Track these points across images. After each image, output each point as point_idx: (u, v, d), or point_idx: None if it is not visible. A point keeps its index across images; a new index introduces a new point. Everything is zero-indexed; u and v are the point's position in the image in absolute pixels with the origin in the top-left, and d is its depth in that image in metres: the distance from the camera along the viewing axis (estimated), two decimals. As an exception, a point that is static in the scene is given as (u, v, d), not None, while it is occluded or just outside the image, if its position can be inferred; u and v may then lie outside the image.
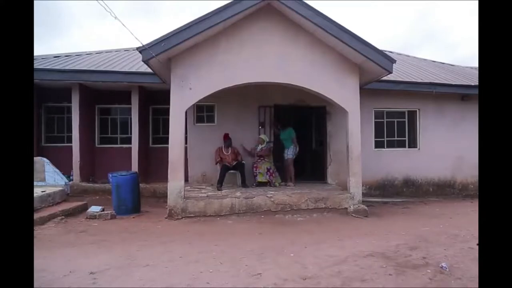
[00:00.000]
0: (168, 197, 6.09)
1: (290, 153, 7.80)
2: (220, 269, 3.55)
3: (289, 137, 7.86)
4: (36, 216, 5.51)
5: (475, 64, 12.27)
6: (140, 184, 7.10)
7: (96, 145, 9.45)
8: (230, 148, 7.58)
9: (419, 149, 9.17)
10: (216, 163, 7.62)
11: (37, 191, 6.33)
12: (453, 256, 4.00)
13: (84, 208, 6.66)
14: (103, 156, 9.32)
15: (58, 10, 40.10)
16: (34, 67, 7.03)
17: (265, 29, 6.34)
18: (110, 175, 6.99)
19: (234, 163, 7.49)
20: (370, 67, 6.48)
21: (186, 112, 6.38)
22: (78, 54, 9.79)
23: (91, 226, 5.58)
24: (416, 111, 9.19)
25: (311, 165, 9.59)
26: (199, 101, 6.44)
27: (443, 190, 9.18)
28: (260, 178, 7.65)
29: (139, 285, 3.17)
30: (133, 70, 8.35)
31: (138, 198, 6.82)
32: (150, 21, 46.99)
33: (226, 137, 7.60)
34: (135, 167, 8.65)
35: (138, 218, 6.29)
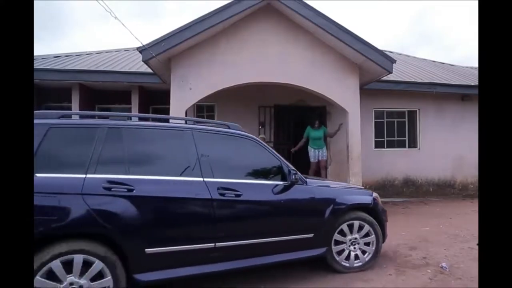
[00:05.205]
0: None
1: (325, 153, 7.68)
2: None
3: (323, 137, 7.65)
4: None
5: (472, 65, 12.27)
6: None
7: (96, 145, 9.45)
8: None
9: (419, 149, 9.17)
10: None
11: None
12: (453, 256, 4.01)
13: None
14: (103, 156, 9.28)
15: (61, 12, 40.12)
16: (34, 67, 7.02)
17: (265, 29, 6.34)
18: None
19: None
20: (370, 67, 6.48)
21: (186, 112, 6.39)
22: (78, 54, 9.77)
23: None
24: (416, 111, 9.20)
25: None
26: (199, 101, 6.44)
27: (443, 190, 9.18)
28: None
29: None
30: (133, 70, 8.33)
31: (138, 198, 6.79)
32: (151, 22, 46.99)
33: None
34: (135, 167, 8.62)
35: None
